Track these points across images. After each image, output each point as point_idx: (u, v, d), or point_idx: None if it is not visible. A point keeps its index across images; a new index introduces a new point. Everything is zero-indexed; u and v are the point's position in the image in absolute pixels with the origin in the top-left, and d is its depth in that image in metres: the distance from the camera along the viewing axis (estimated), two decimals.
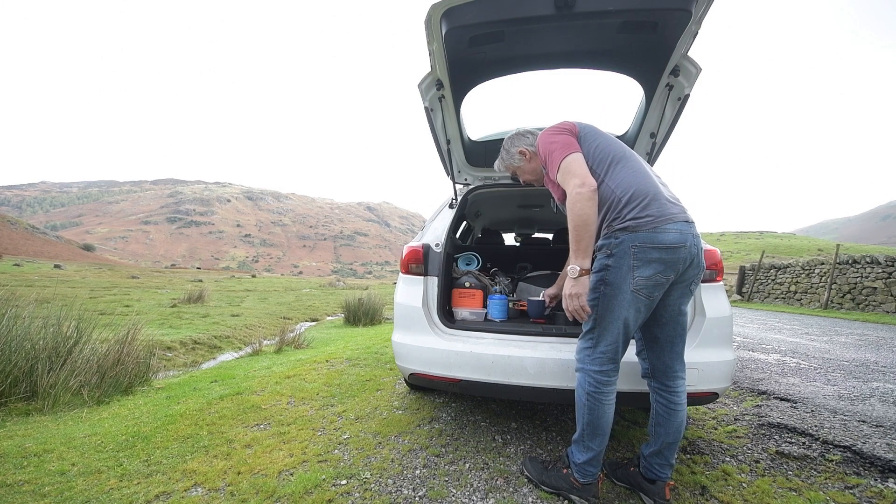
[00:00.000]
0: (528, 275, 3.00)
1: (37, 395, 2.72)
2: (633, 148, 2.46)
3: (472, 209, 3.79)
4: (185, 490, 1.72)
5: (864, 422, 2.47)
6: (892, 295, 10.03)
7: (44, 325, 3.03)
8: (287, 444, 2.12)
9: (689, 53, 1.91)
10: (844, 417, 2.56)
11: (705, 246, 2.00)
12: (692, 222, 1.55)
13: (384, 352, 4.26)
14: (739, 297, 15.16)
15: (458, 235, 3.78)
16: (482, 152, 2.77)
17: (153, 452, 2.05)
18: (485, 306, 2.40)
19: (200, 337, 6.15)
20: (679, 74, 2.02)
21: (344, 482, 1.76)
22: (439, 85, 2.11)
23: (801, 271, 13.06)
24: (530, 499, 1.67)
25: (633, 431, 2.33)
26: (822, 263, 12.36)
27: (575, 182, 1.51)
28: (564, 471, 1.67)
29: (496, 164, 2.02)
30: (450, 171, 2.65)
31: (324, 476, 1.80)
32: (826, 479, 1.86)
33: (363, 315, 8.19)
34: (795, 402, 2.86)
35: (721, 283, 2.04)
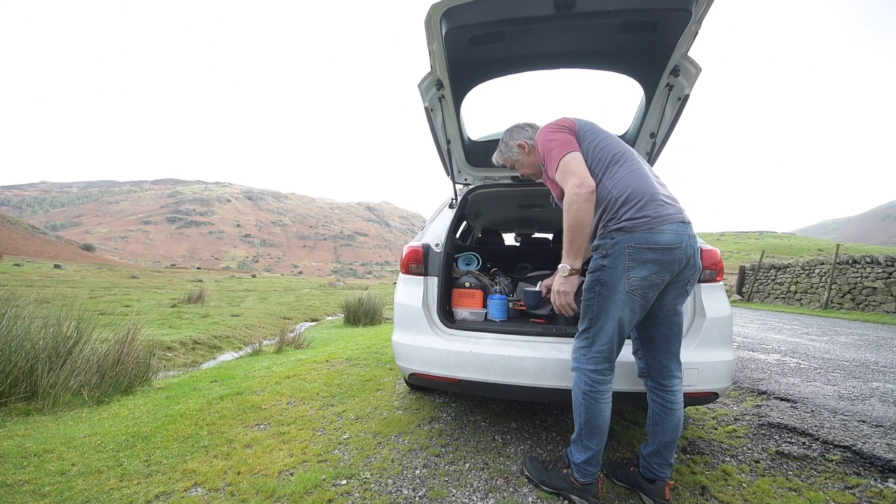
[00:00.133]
0: (528, 275, 3.00)
1: (37, 395, 2.72)
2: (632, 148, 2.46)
3: (472, 209, 3.79)
4: (185, 490, 1.72)
5: (864, 422, 2.47)
6: (892, 295, 10.02)
7: (44, 325, 3.03)
8: (287, 444, 2.12)
9: (689, 53, 1.91)
10: (844, 417, 2.56)
11: (705, 246, 2.00)
12: (689, 223, 1.55)
13: (384, 352, 4.26)
14: (739, 297, 15.16)
15: (458, 235, 3.77)
16: (482, 152, 2.77)
17: (153, 452, 2.05)
18: (485, 306, 2.40)
19: (200, 337, 6.15)
20: (679, 74, 2.02)
21: (344, 482, 1.77)
22: (439, 85, 2.11)
23: (801, 271, 13.06)
24: (530, 499, 1.67)
25: (632, 431, 2.33)
26: (822, 263, 12.35)
27: (573, 182, 1.51)
28: (564, 471, 1.67)
29: (494, 156, 2.00)
30: (450, 171, 2.65)
31: (324, 476, 1.80)
32: (826, 479, 1.86)
33: (363, 315, 8.19)
34: (795, 402, 2.86)
35: (721, 283, 2.03)
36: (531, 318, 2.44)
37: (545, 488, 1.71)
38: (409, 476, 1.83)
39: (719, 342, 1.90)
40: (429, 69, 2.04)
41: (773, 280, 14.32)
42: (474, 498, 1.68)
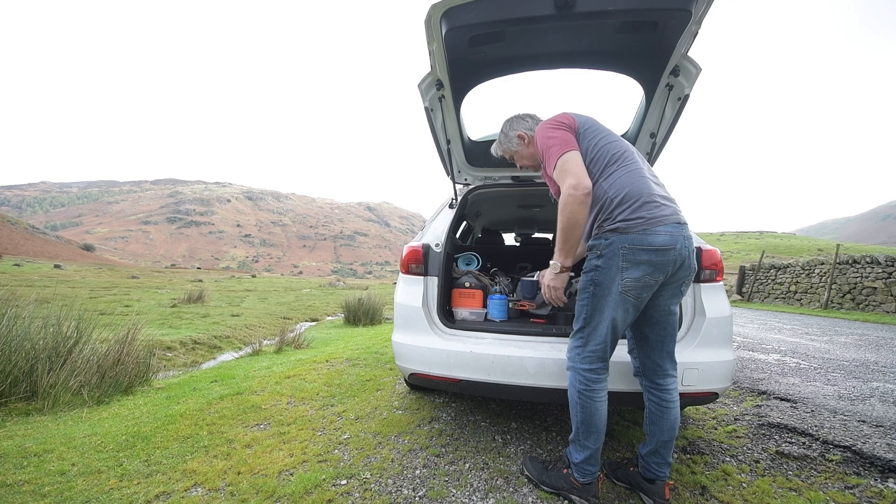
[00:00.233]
0: (528, 274, 3.00)
1: (37, 395, 2.72)
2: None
3: (472, 209, 3.79)
4: (185, 490, 1.72)
5: (864, 422, 2.47)
6: (892, 295, 10.02)
7: (44, 325, 3.03)
8: (287, 444, 2.12)
9: (689, 53, 1.91)
10: (844, 417, 2.56)
11: (705, 246, 2.00)
12: (685, 223, 1.55)
13: (384, 352, 4.26)
14: (739, 297, 15.16)
15: (458, 235, 3.78)
16: (482, 152, 2.77)
17: (153, 452, 2.05)
18: (485, 306, 2.40)
19: (200, 337, 6.15)
20: (679, 74, 2.02)
21: (344, 482, 1.77)
22: (439, 85, 2.12)
23: (801, 271, 13.06)
24: (530, 499, 1.67)
25: (632, 431, 2.33)
26: (822, 263, 12.36)
27: (570, 182, 1.51)
28: (564, 471, 1.67)
29: (493, 147, 1.99)
30: (450, 171, 2.65)
31: (324, 476, 1.80)
32: (826, 479, 1.86)
33: (363, 315, 8.20)
34: (795, 402, 2.86)
35: (721, 283, 2.03)
36: (531, 318, 2.44)
37: (545, 488, 1.71)
38: (409, 476, 1.83)
39: (719, 342, 1.90)
40: (429, 69, 2.04)
41: (773, 280, 14.32)
42: (474, 498, 1.68)
